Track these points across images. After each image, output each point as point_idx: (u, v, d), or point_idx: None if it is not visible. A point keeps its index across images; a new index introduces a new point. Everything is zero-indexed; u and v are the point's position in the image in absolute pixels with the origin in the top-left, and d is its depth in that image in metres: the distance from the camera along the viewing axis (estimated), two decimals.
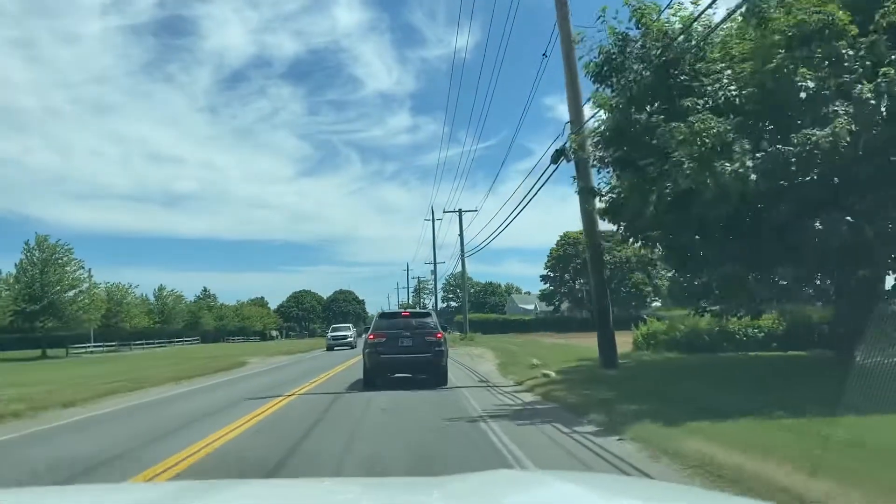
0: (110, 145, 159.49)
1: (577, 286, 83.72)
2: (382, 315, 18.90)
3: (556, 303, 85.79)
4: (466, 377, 19.63)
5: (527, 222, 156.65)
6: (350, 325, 58.73)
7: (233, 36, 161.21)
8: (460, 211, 49.20)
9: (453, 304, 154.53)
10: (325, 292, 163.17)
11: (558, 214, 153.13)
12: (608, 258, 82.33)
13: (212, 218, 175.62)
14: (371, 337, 16.49)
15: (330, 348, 46.77)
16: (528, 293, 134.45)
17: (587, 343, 40.76)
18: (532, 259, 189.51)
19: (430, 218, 77.86)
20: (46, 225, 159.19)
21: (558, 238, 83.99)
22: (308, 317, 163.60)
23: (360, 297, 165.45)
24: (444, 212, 50.12)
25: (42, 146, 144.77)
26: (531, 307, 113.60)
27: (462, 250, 48.32)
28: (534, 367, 18.80)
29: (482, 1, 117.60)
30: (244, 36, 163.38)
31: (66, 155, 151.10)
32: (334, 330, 52.25)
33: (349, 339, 48.05)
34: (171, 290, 74.18)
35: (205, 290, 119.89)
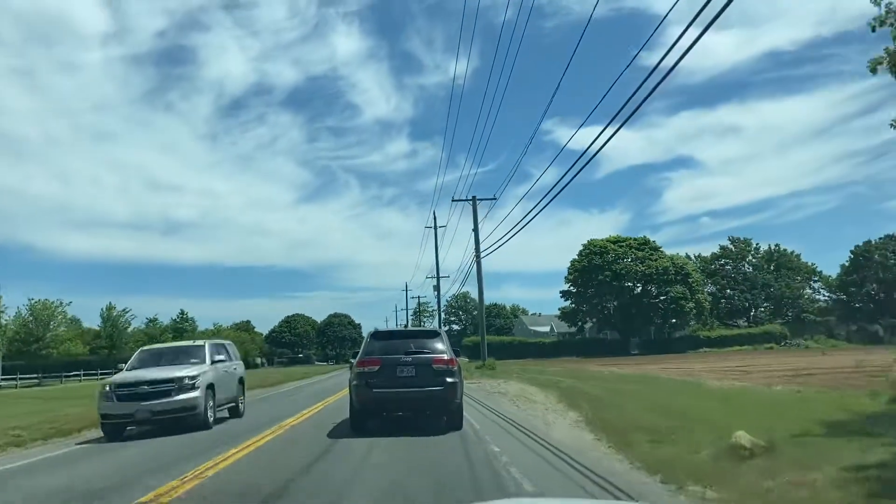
0: (110, 173, 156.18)
1: (605, 302, 71.76)
2: (376, 335, 13.39)
3: (580, 322, 73.59)
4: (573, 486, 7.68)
5: (524, 247, 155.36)
6: (204, 343, 15.98)
7: (233, 64, 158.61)
8: (475, 199, 37.56)
9: (456, 327, 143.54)
10: (323, 318, 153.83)
11: (555, 238, 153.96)
12: (642, 268, 70.85)
13: (211, 245, 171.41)
14: (360, 365, 12.02)
15: (109, 428, 13.42)
16: (539, 314, 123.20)
17: (669, 371, 29.08)
18: (531, 283, 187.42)
19: (433, 225, 66.94)
20: (46, 253, 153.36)
21: (581, 247, 72.28)
22: (301, 342, 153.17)
23: (357, 321, 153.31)
24: (453, 200, 38.41)
25: (42, 175, 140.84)
26: (544, 329, 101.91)
27: (477, 247, 36.49)
28: (750, 457, 6.94)
29: (479, 27, 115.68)
30: (244, 64, 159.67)
31: (66, 183, 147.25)
32: (144, 363, 15.00)
33: (186, 399, 13.61)
34: (123, 311, 61.91)
35: (182, 312, 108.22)
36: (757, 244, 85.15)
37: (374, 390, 11.74)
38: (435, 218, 67.66)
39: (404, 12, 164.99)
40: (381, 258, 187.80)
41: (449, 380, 11.78)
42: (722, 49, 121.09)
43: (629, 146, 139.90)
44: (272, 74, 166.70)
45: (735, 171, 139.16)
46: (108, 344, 58.93)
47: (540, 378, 26.51)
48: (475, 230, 37.00)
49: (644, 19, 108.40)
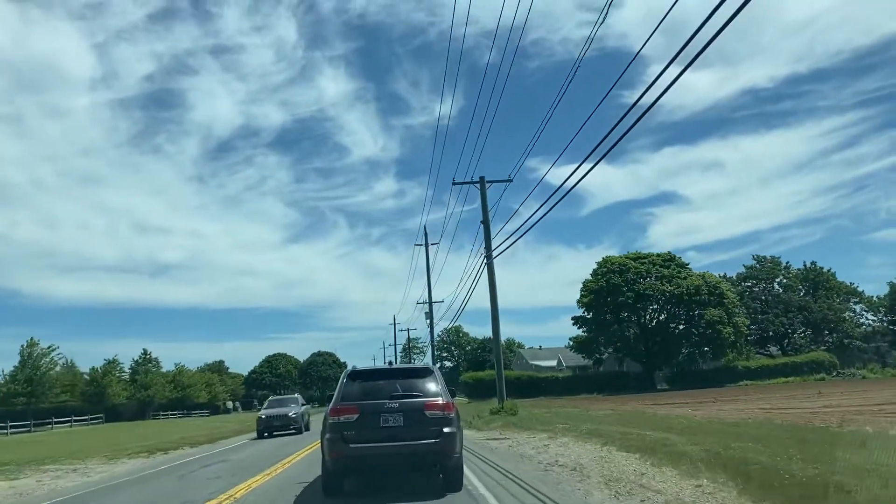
0: (97, 217, 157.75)
1: (625, 330, 61.55)
2: (354, 374, 10.30)
3: (598, 354, 63.18)
4: None
5: (511, 284, 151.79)
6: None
7: (220, 107, 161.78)
8: (482, 180, 27.73)
9: (448, 363, 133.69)
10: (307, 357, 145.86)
11: (543, 275, 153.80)
12: (669, 287, 60.92)
13: (199, 287, 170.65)
14: (334, 413, 9.57)
15: None
16: (540, 347, 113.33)
17: (779, 413, 18.27)
18: (522, 319, 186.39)
19: (423, 242, 57.47)
20: (33, 298, 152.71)
21: (596, 265, 62.33)
22: (283, 383, 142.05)
23: (342, 360, 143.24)
24: (454, 184, 28.31)
25: (29, 220, 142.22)
26: (548, 363, 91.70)
27: (487, 244, 26.49)
28: None
29: (464, 69, 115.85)
30: (231, 107, 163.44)
31: (53, 228, 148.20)
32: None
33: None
34: (48, 348, 50.86)
35: (144, 352, 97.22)
36: (787, 262, 75.76)
37: (352, 445, 9.29)
38: (426, 233, 58.23)
39: (390, 55, 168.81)
40: (369, 297, 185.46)
41: (446, 430, 9.38)
42: (703, 86, 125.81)
43: (614, 182, 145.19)
44: (259, 117, 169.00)
45: (719, 206, 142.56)
46: (26, 390, 47.66)
47: (605, 431, 16.35)
48: (485, 221, 27.06)
49: (627, 58, 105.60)
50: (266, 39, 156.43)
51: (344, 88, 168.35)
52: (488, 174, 29.61)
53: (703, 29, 8.29)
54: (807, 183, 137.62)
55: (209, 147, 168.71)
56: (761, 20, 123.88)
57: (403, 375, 10.49)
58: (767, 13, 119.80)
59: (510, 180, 27.15)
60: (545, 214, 16.06)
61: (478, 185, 27.64)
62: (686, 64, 8.93)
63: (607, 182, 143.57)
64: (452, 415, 9.64)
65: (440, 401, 9.63)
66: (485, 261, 26.65)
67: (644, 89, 9.96)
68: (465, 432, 21.97)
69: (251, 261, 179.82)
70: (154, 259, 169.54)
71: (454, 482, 9.73)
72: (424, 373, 10.42)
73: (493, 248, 26.56)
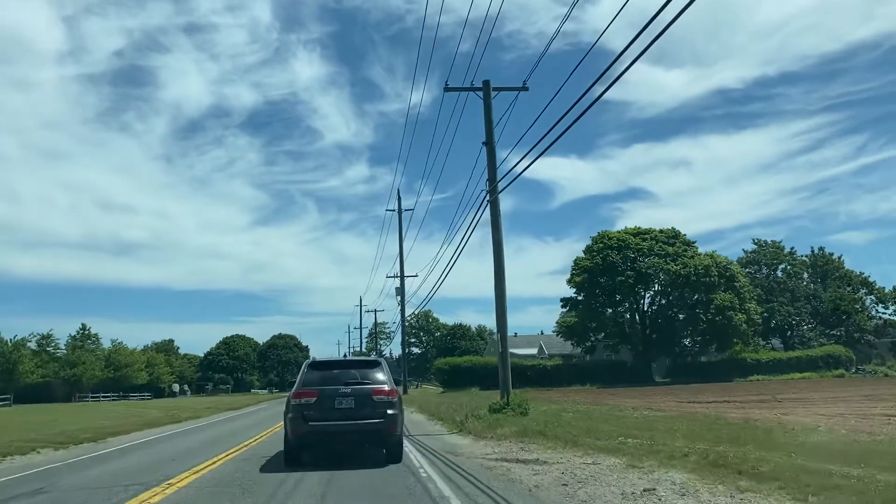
0: (61, 193, 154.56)
1: (622, 314, 54.46)
2: (313, 365, 12.38)
3: (590, 341, 55.77)
4: None
5: (476, 273, 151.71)
6: None
7: (191, 86, 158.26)
8: (487, 84, 19.97)
9: (416, 349, 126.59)
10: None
11: (511, 266, 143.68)
12: (675, 267, 53.74)
13: (164, 267, 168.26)
14: (296, 396, 11.48)
15: None
16: (515, 335, 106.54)
17: None
18: (490, 310, 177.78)
19: (396, 208, 50.38)
20: None
21: (591, 241, 54.93)
22: (241, 366, 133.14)
23: (304, 344, 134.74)
24: (446, 90, 20.50)
25: None
26: (526, 351, 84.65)
27: (492, 172, 18.78)
28: None
29: (439, 58, 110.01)
30: (202, 86, 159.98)
31: (14, 202, 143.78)
32: None
33: None
34: None
35: (83, 327, 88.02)
36: (792, 248, 69.38)
37: (311, 423, 11.12)
38: (399, 197, 50.86)
39: (366, 41, 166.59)
40: (337, 283, 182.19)
41: (389, 412, 11.36)
42: (674, 85, 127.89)
43: (583, 177, 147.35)
44: (231, 97, 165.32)
45: (685, 203, 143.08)
46: None
47: (740, 459, 8.88)
48: (488, 142, 19.33)
49: (603, 54, 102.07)
50: (240, 19, 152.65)
51: (318, 72, 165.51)
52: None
53: (669, 24, 8.06)
54: (771, 184, 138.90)
55: (178, 126, 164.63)
56: (734, 22, 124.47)
57: (356, 366, 12.55)
58: (740, 16, 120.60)
59: (525, 87, 19.44)
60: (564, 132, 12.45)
61: (479, 94, 19.86)
62: (638, 53, 8.74)
63: (577, 176, 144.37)
64: (395, 399, 11.53)
65: (386, 388, 11.54)
66: (487, 196, 18.92)
67: (597, 77, 9.87)
68: (457, 440, 14.72)
69: (217, 242, 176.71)
70: (118, 238, 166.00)
71: (395, 455, 11.50)
72: (374, 364, 12.43)
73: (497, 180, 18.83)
